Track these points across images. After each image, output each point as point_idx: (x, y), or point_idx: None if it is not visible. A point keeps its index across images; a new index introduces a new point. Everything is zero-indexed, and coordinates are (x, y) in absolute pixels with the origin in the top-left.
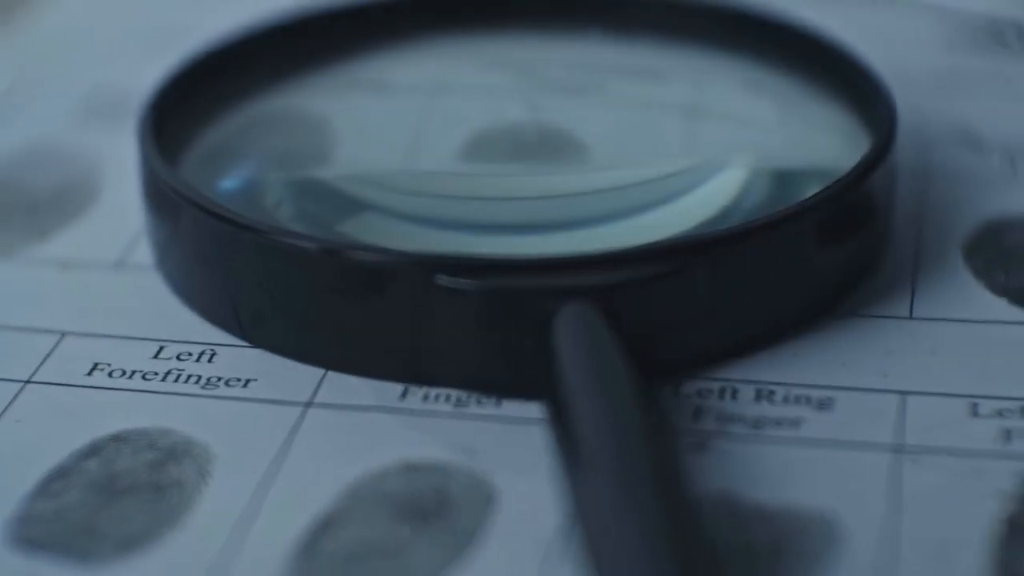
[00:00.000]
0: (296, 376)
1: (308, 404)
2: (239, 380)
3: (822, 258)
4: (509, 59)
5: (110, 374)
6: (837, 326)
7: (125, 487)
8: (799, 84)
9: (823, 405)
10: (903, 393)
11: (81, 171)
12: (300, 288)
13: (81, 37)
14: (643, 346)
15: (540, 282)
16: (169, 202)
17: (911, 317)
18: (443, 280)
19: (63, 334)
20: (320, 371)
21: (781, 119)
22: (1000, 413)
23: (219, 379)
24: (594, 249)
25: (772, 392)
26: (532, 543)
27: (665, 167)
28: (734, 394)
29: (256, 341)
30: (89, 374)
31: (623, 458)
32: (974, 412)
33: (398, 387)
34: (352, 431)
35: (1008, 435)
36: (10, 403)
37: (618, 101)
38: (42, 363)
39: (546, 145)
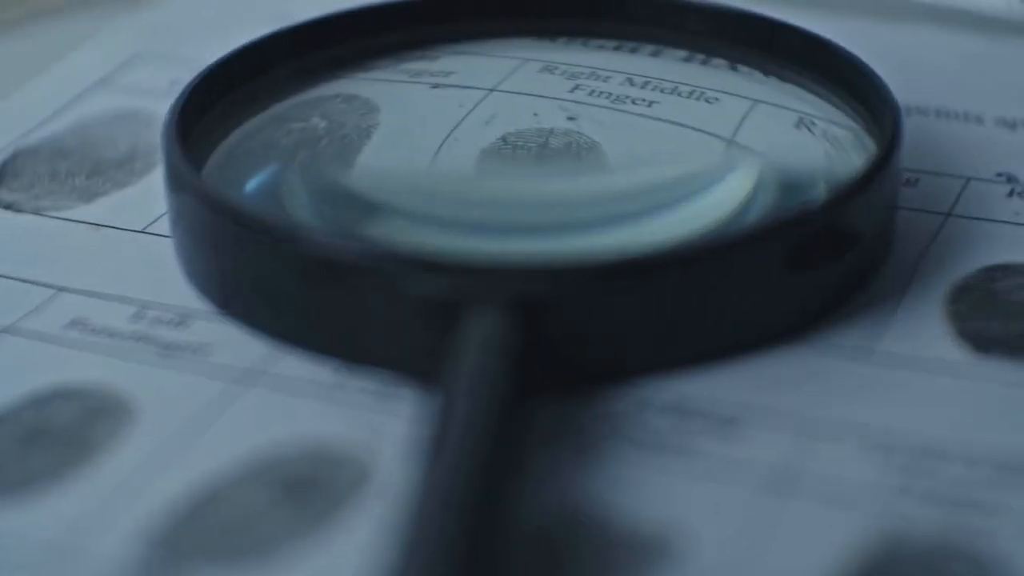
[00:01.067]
0: (250, 349)
1: (250, 376)
2: (197, 348)
3: (758, 286)
4: (577, 69)
5: (84, 330)
6: (781, 351)
7: (42, 437)
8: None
9: (718, 429)
10: (797, 434)
11: (154, 142)
12: (257, 265)
13: (208, 17)
14: (548, 355)
15: (454, 283)
16: (171, 177)
17: (866, 351)
18: (372, 271)
19: (62, 289)
20: (274, 345)
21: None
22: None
23: (180, 345)
24: (514, 258)
25: (675, 410)
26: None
27: (663, 173)
28: (640, 409)
29: (228, 311)
30: (66, 328)
31: (451, 459)
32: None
33: (337, 367)
34: (278, 407)
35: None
36: None
37: (658, 120)
38: (27, 314)
39: (567, 154)
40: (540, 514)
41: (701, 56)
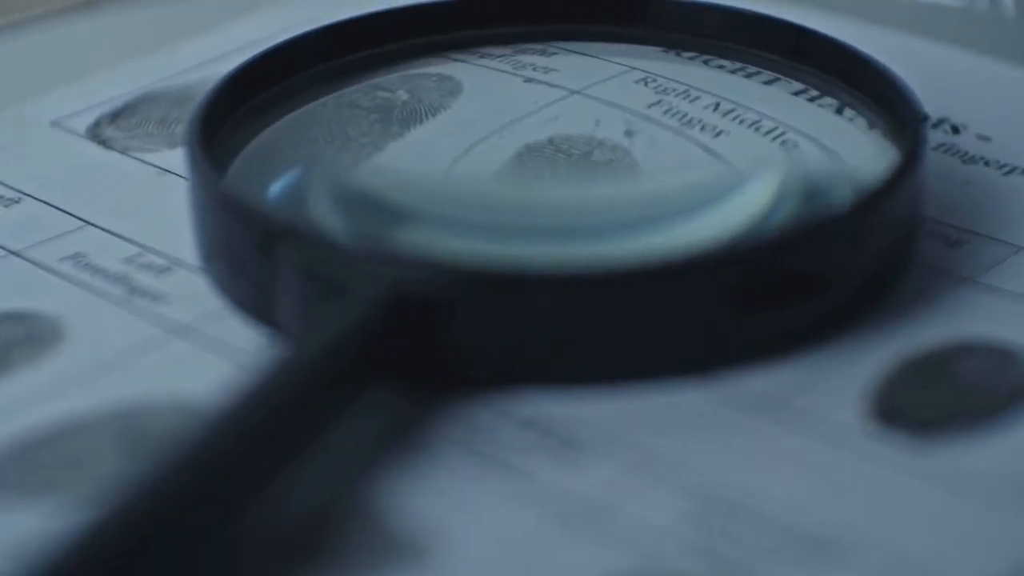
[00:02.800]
0: (201, 306)
1: (184, 330)
2: (157, 296)
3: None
4: (674, 84)
5: (77, 264)
6: (686, 387)
7: None
8: None
9: (557, 451)
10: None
11: None
12: (213, 228)
13: None
14: (420, 352)
15: (333, 264)
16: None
17: (775, 403)
18: (284, 250)
19: (89, 224)
20: (225, 306)
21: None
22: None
23: (144, 290)
24: (397, 250)
25: (527, 425)
26: None
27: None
28: (495, 418)
29: (204, 267)
30: (62, 260)
31: (227, 416)
32: None
33: (268, 335)
34: (190, 363)
35: None
36: None
37: (710, 151)
38: (43, 241)
39: (604, 168)
40: (323, 496)
41: (815, 93)
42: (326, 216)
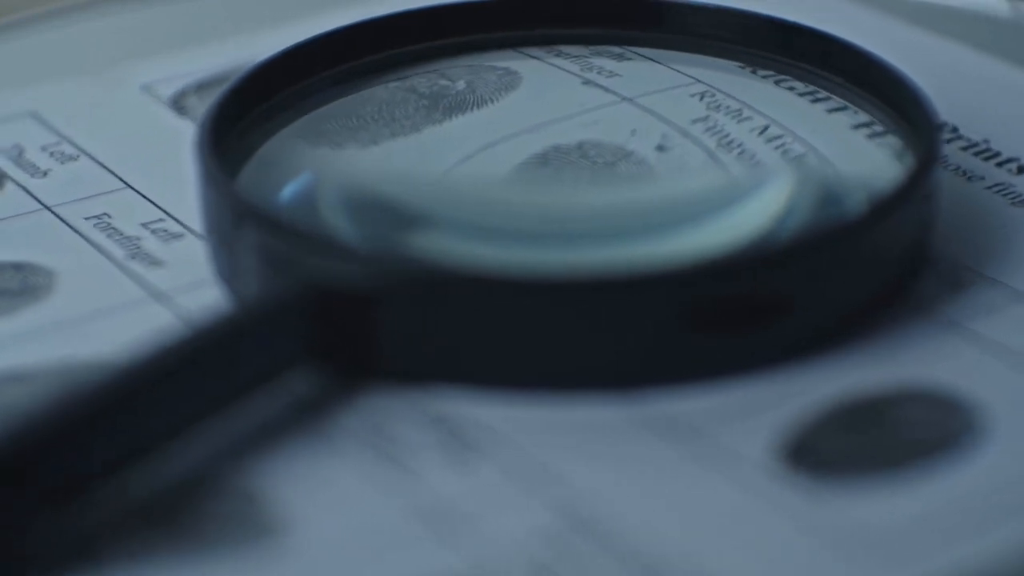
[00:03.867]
0: (189, 276)
1: (163, 298)
2: (154, 261)
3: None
4: (730, 102)
5: (98, 224)
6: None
7: None
8: None
9: (453, 452)
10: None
11: None
12: (205, 206)
13: None
14: (363, 345)
15: (280, 250)
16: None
17: (688, 429)
18: (247, 228)
19: (129, 187)
20: (213, 279)
21: None
22: None
23: (145, 255)
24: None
25: (433, 423)
26: None
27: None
28: (403, 413)
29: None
30: (88, 219)
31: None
32: None
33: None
34: (156, 327)
35: None
36: (11, 216)
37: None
38: (79, 200)
39: (622, 180)
40: (199, 468)
41: (879, 128)
42: (333, 210)
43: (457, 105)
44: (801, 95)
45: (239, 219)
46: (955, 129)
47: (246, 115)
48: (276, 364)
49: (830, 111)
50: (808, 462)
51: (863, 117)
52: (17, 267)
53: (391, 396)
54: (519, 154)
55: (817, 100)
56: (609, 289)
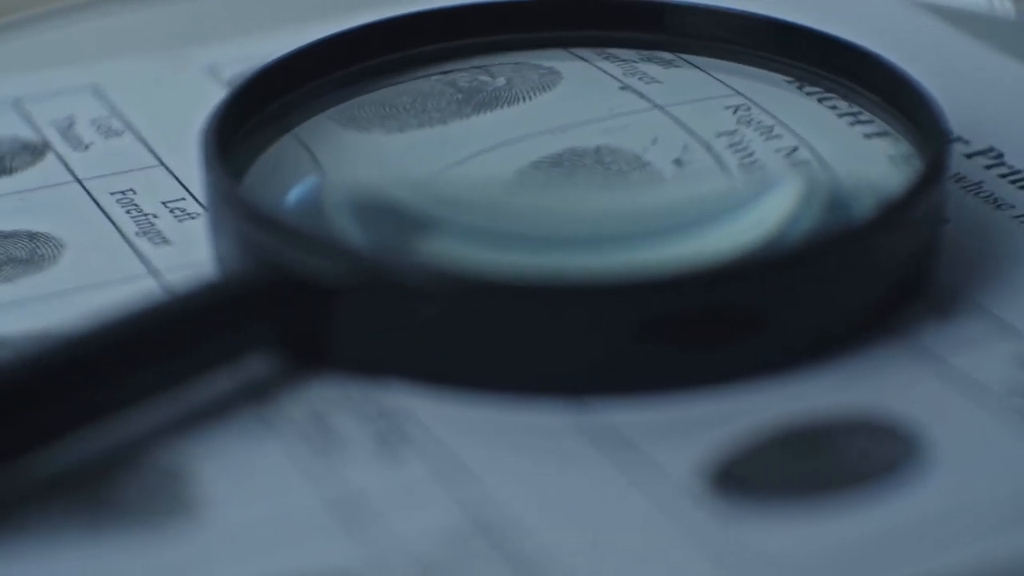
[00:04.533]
0: (188, 256)
1: (156, 274)
2: (161, 240)
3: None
4: (762, 118)
5: (121, 199)
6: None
7: None
8: None
9: (386, 444)
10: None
11: None
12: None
13: None
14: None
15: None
16: None
17: (617, 442)
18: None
19: (163, 165)
20: (207, 257)
21: None
22: None
23: (155, 233)
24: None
25: (377, 417)
26: None
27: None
28: (348, 405)
29: None
30: (112, 193)
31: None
32: None
33: None
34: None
35: None
36: (42, 187)
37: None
38: (109, 175)
39: (631, 187)
40: (124, 446)
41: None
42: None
43: (490, 101)
44: (841, 115)
45: (219, 200)
46: (999, 156)
47: (270, 102)
48: (231, 346)
49: (868, 136)
50: (733, 485)
51: (903, 147)
52: (32, 236)
53: (340, 387)
54: (535, 153)
55: (857, 123)
56: (557, 296)
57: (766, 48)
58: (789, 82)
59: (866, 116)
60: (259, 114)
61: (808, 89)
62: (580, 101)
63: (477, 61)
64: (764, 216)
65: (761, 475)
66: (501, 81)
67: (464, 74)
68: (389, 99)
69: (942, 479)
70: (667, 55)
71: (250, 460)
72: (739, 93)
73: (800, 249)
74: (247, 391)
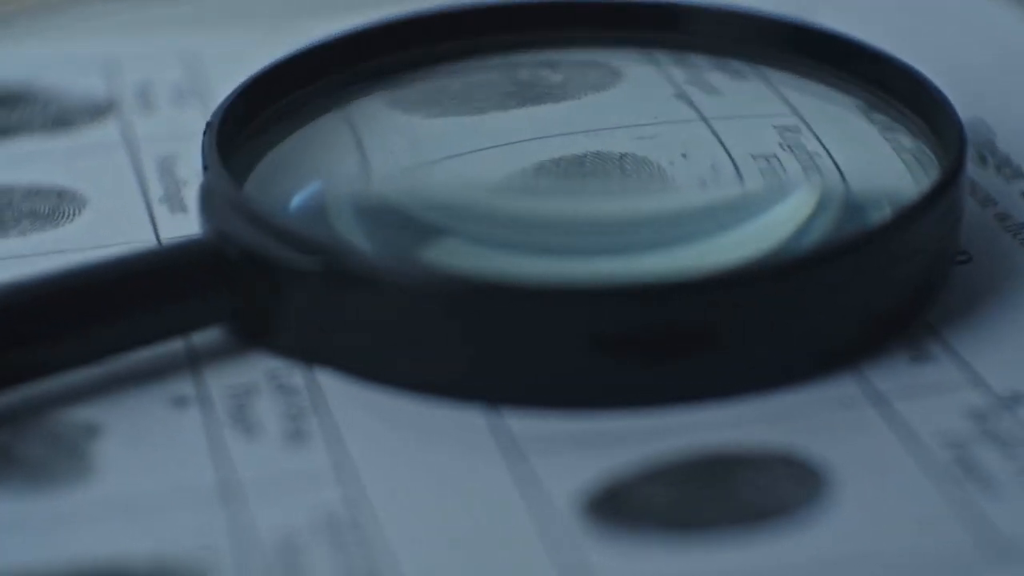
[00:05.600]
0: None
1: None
2: (182, 209)
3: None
4: (814, 148)
5: (161, 164)
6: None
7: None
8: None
9: (303, 432)
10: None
11: None
12: None
13: None
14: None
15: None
16: None
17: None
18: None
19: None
20: None
21: None
22: None
23: (179, 201)
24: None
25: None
26: None
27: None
28: (274, 389)
29: None
30: (158, 157)
31: None
32: None
33: None
34: None
35: None
36: (91, 144)
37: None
38: (164, 139)
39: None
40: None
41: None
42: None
43: (539, 96)
44: (902, 152)
45: (204, 170)
46: None
47: (321, 78)
48: (174, 314)
49: (917, 176)
50: (609, 510)
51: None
52: (60, 193)
53: (272, 369)
54: (558, 152)
55: (916, 162)
56: (472, 299)
57: (839, 67)
58: (861, 106)
59: (928, 156)
60: (305, 88)
61: (877, 115)
62: (627, 105)
63: (545, 56)
64: (744, 240)
65: (644, 503)
66: (558, 78)
67: (527, 69)
68: (445, 85)
69: (838, 526)
70: (741, 65)
71: (155, 430)
72: (796, 113)
73: (744, 272)
74: (184, 361)
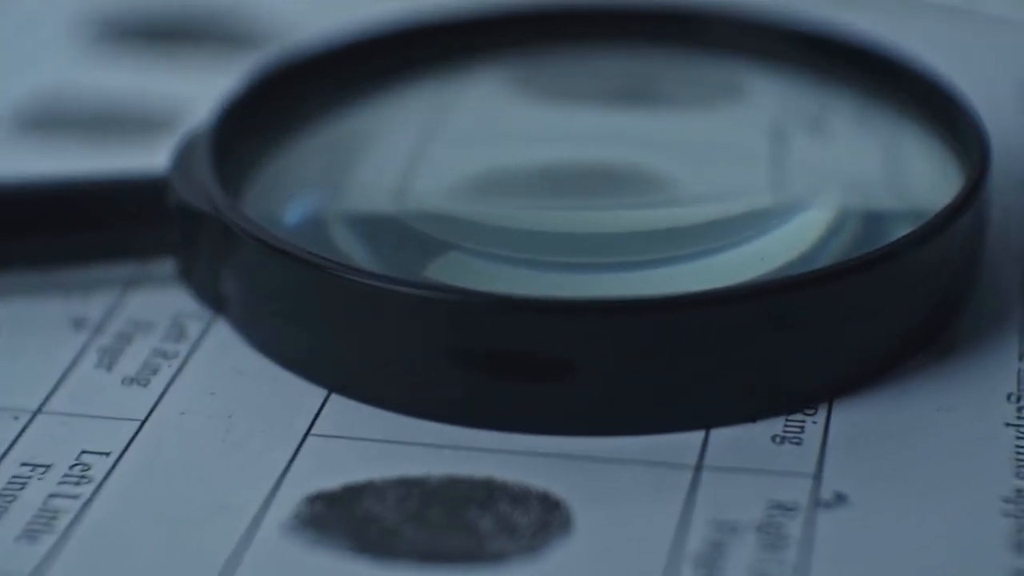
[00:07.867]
0: None
1: None
2: None
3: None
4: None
5: None
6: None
7: None
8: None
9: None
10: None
11: None
12: None
13: None
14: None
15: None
16: None
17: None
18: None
19: None
20: None
21: None
22: None
23: None
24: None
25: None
26: None
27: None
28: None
29: None
30: None
31: None
32: None
33: None
34: None
35: None
36: None
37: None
38: None
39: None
40: None
41: None
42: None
43: (626, 97)
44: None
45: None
46: None
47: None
48: (114, 240)
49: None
50: (314, 522)
51: None
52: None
53: (181, 310)
54: (591, 156)
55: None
56: (383, 300)
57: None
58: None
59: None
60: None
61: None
62: (706, 125)
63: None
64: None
65: (355, 522)
66: (619, 81)
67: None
68: (558, 71)
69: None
70: (891, 111)
71: (43, 343)
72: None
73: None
74: (116, 287)
